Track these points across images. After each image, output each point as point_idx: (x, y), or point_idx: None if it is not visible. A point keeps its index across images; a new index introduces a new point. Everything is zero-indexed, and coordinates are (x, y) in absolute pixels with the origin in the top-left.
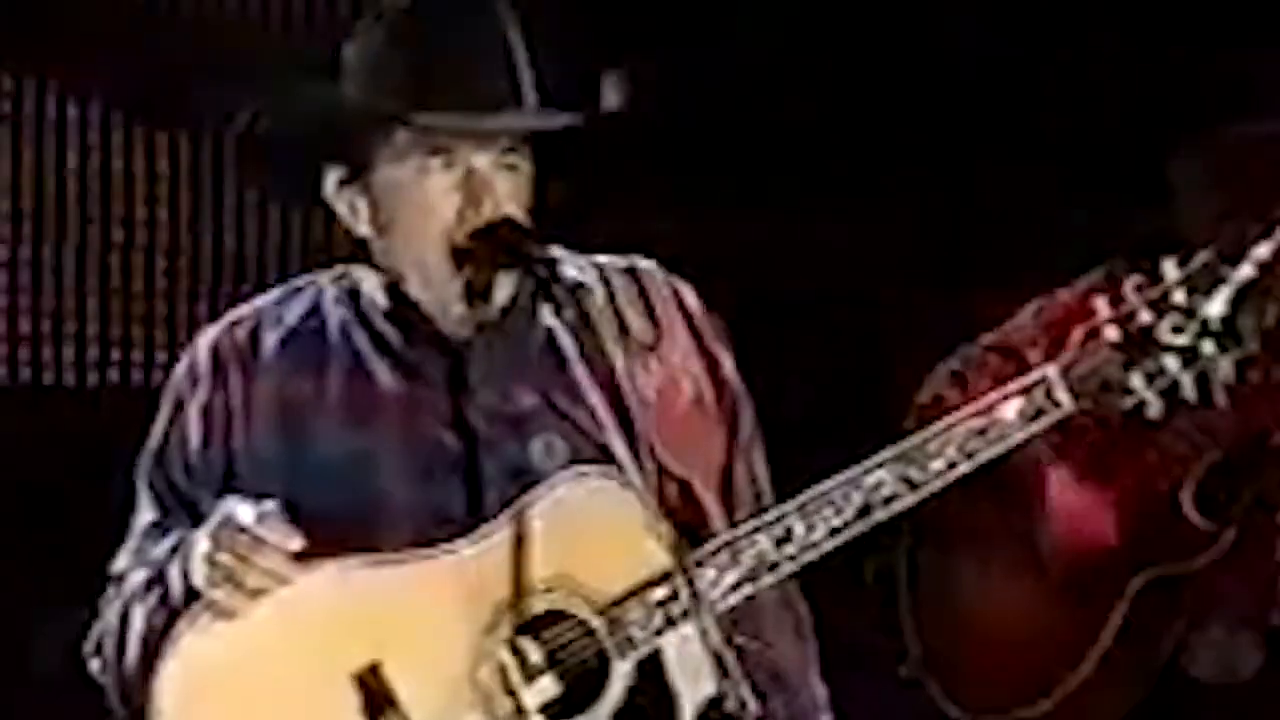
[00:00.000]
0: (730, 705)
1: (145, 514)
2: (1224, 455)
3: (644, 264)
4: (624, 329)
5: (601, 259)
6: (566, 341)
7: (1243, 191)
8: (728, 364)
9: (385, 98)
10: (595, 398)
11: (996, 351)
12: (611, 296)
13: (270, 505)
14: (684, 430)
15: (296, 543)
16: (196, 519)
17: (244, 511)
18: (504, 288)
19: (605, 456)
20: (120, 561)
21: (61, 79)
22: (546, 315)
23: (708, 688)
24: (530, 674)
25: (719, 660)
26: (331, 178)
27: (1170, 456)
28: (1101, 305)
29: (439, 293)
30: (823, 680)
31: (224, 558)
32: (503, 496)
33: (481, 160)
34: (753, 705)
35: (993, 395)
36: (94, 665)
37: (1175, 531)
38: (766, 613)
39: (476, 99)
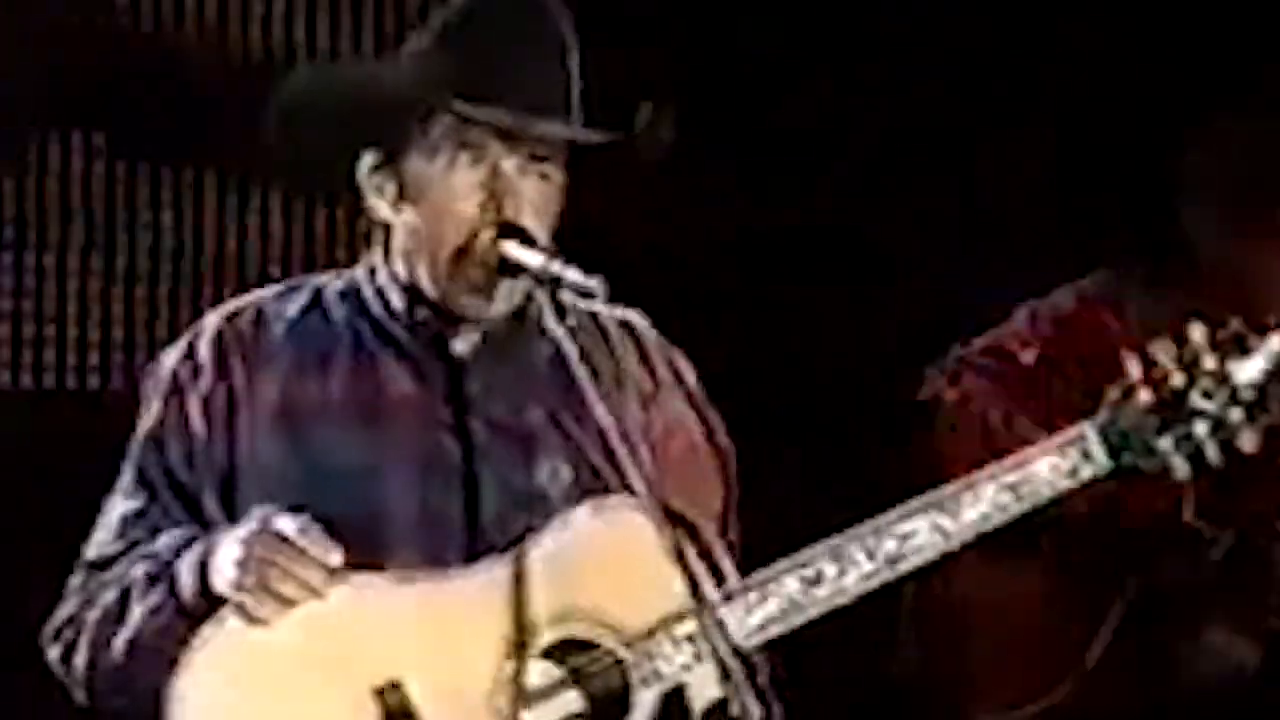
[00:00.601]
0: (734, 710)
1: (129, 501)
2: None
3: (638, 320)
4: (622, 369)
5: (598, 307)
6: (572, 355)
7: (1243, 192)
8: (720, 431)
9: (435, 87)
10: (604, 421)
11: (990, 353)
12: (610, 337)
13: (307, 518)
14: (683, 471)
15: (337, 558)
16: (192, 508)
17: (285, 522)
18: (507, 295)
19: (608, 482)
20: (97, 548)
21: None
22: (553, 327)
23: (711, 692)
24: (547, 700)
25: (723, 667)
26: (366, 161)
27: None
28: (1133, 366)
29: (447, 287)
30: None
31: (261, 565)
32: (501, 508)
33: (509, 161)
34: (756, 711)
35: (1028, 450)
36: (54, 652)
37: (1174, 535)
38: None
39: (526, 100)
